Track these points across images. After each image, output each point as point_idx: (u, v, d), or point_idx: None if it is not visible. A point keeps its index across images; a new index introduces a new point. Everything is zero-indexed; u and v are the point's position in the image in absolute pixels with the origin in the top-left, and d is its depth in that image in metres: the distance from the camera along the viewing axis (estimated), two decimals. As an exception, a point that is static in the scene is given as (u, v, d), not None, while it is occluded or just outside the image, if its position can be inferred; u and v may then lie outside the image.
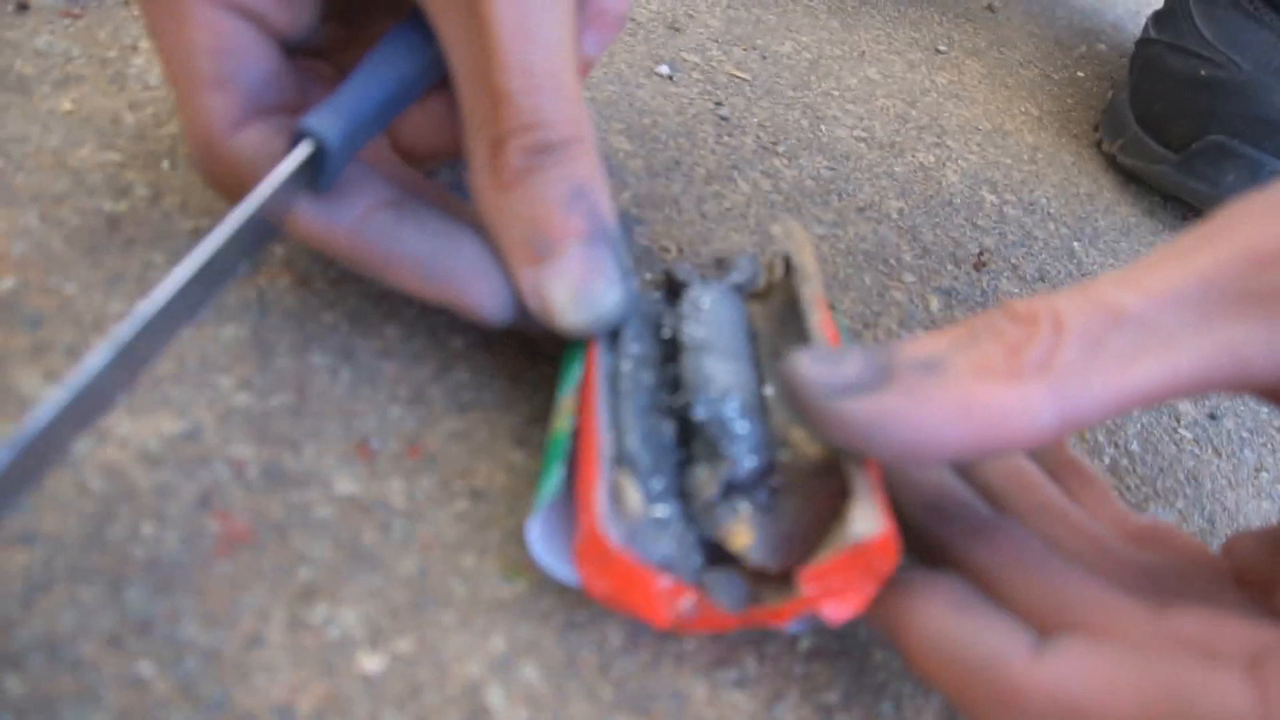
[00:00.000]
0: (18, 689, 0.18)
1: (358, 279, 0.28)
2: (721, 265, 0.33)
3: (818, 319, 0.25)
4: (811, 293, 0.26)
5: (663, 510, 0.21)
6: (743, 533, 0.20)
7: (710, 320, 0.25)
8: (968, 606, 0.20)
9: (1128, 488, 0.32)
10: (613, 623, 0.22)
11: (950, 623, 0.20)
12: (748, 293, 0.30)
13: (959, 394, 0.19)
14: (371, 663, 0.20)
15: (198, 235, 0.27)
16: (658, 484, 0.21)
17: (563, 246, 0.23)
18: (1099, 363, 0.19)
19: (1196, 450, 0.36)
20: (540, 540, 0.21)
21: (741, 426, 0.22)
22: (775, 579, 0.21)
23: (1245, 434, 0.37)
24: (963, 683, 0.19)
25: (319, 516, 0.22)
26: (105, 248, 0.26)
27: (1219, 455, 0.36)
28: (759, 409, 0.23)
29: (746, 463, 0.21)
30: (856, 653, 0.24)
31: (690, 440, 0.23)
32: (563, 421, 0.22)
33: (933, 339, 0.20)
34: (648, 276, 0.33)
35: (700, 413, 0.22)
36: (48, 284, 0.25)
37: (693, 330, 0.24)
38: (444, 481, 0.24)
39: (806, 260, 0.27)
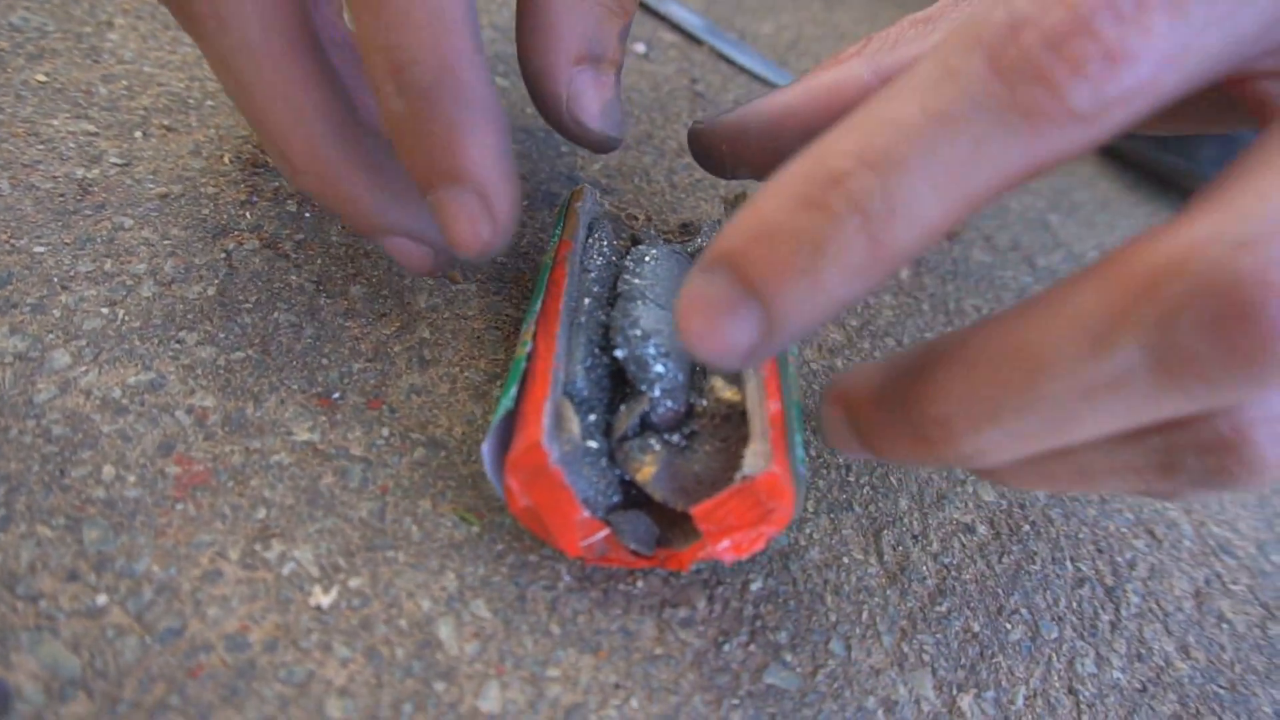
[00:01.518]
0: (-24, 616, 0.18)
1: (325, 243, 0.29)
2: (687, 230, 0.33)
3: None
4: None
5: (594, 443, 0.22)
6: (648, 464, 0.21)
7: (650, 273, 0.26)
8: None
9: (1091, 446, 0.33)
10: (564, 564, 0.23)
11: None
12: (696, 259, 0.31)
13: (800, 85, 0.25)
14: (325, 597, 0.21)
15: (166, 200, 0.28)
16: (592, 419, 0.22)
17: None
18: (901, 44, 0.24)
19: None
20: (490, 457, 0.21)
21: (660, 367, 0.22)
22: (687, 528, 0.21)
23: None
24: None
25: (278, 462, 0.23)
26: (76, 211, 0.27)
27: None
28: (683, 359, 0.23)
29: (664, 403, 0.22)
30: (807, 596, 0.24)
31: (622, 384, 0.23)
32: (523, 347, 0.23)
33: None
34: (616, 242, 0.33)
35: (620, 352, 0.22)
36: (17, 244, 0.25)
37: (630, 278, 0.25)
38: (403, 432, 0.24)
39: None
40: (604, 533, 0.21)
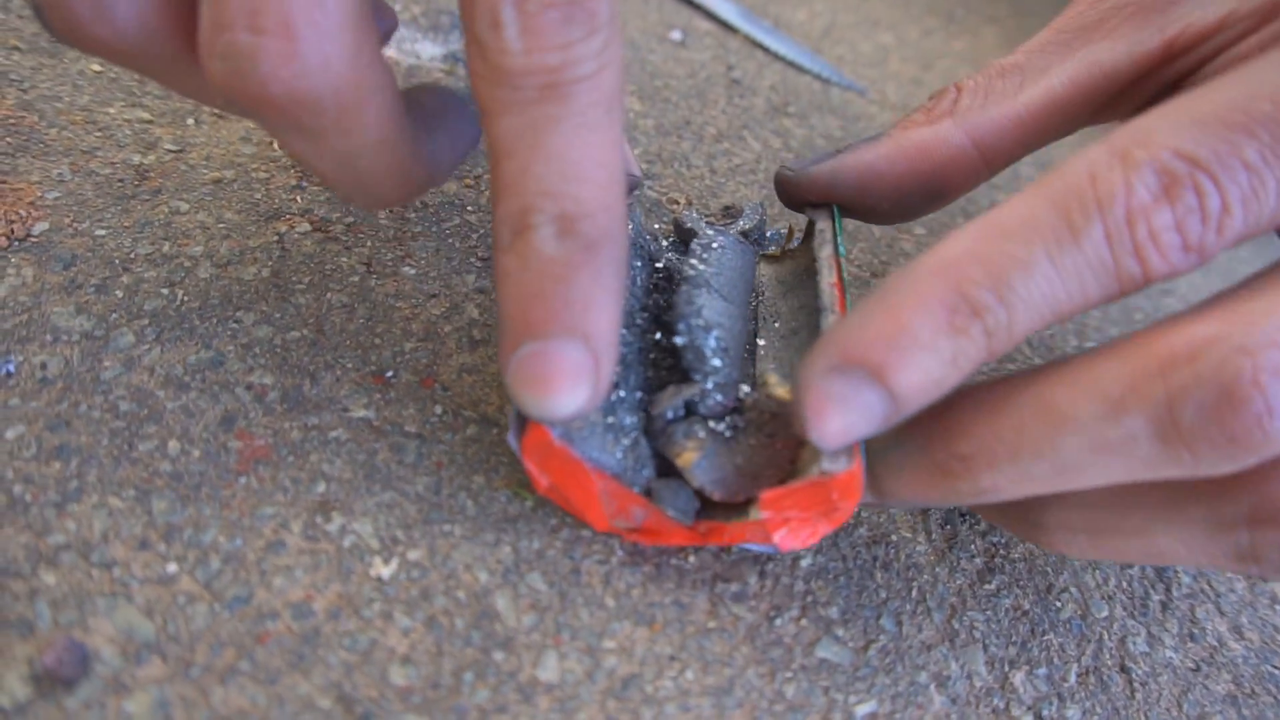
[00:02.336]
0: (53, 583, 0.19)
1: (374, 226, 0.29)
2: (730, 213, 0.33)
3: (830, 280, 0.25)
4: (828, 255, 0.26)
5: (619, 419, 0.22)
6: (691, 449, 0.21)
7: (715, 261, 0.26)
8: None
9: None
10: (618, 538, 0.23)
11: None
12: (760, 255, 0.31)
13: (891, 141, 0.26)
14: (385, 569, 0.21)
15: (219, 185, 0.29)
16: (621, 394, 0.22)
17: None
18: (992, 99, 0.26)
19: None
20: (515, 445, 0.21)
21: (718, 360, 0.22)
22: (722, 511, 0.22)
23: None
24: None
25: (335, 438, 0.23)
26: (134, 196, 0.27)
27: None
28: (739, 356, 0.23)
29: (714, 396, 0.22)
30: (858, 572, 0.24)
31: (660, 364, 0.23)
32: None
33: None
34: (656, 226, 0.33)
35: (681, 339, 0.22)
36: (79, 228, 0.26)
37: (696, 264, 0.25)
38: (455, 409, 0.25)
39: (828, 226, 0.28)
40: (641, 506, 0.21)
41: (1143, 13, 0.26)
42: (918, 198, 0.27)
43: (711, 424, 0.22)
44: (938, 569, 0.25)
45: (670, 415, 0.22)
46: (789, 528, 0.21)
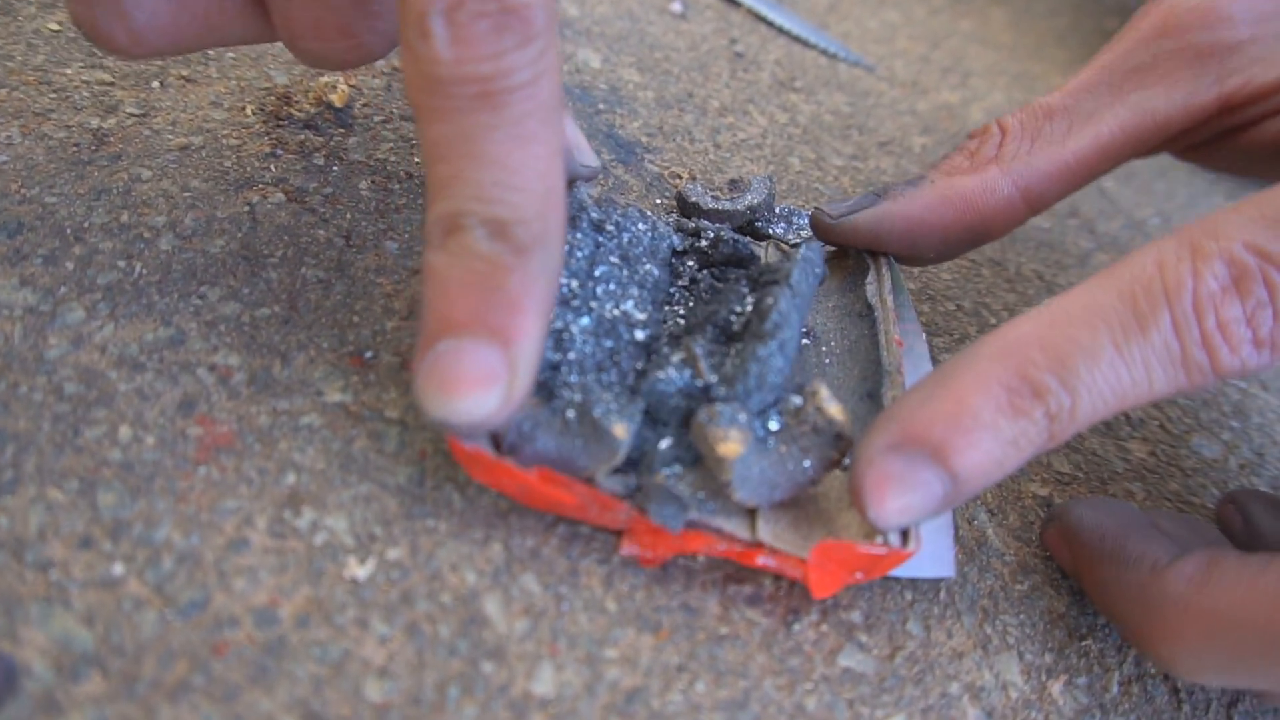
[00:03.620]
0: (-19, 586, 0.17)
1: (355, 197, 0.27)
2: (736, 187, 0.31)
3: (893, 336, 0.24)
4: (888, 305, 0.25)
5: (568, 394, 0.20)
6: (735, 440, 0.19)
7: (803, 275, 0.24)
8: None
9: (1169, 419, 0.30)
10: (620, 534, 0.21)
11: None
12: (778, 245, 0.29)
13: (937, 191, 0.25)
14: (360, 569, 0.19)
15: (186, 152, 0.26)
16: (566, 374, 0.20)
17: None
18: (1039, 145, 0.25)
19: (1241, 384, 0.34)
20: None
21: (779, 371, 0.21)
22: (722, 514, 0.20)
23: (1293, 369, 0.35)
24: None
25: (308, 424, 0.21)
26: (90, 162, 0.25)
27: (1266, 389, 0.34)
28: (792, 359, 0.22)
29: (770, 387, 0.20)
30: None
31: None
32: None
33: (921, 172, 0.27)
34: (659, 201, 0.31)
35: (766, 349, 0.20)
36: (28, 194, 0.24)
37: (797, 279, 0.23)
38: (441, 394, 0.22)
39: (886, 273, 0.27)
40: (622, 508, 0.19)
41: (1200, 59, 0.25)
42: (962, 244, 0.26)
43: (747, 417, 0.20)
44: (967, 569, 0.23)
45: (720, 392, 0.20)
46: (826, 576, 0.19)
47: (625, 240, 0.24)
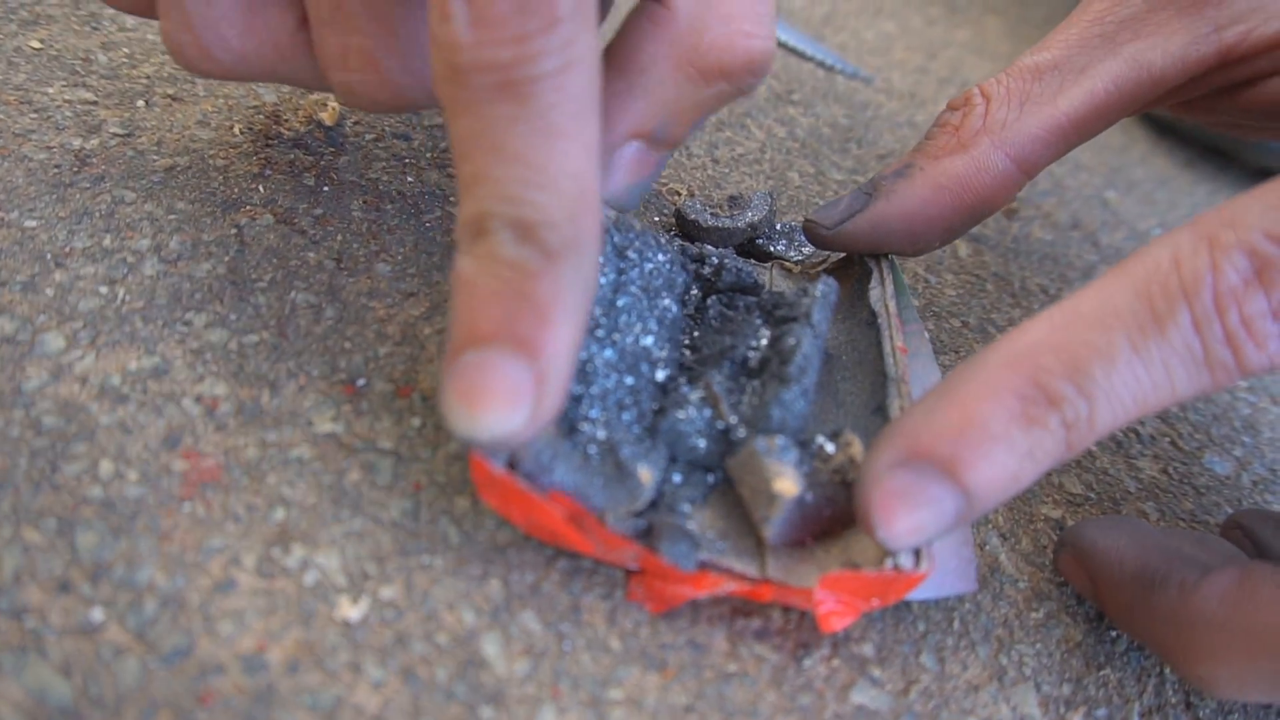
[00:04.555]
0: (-48, 636, 0.16)
1: (346, 218, 0.26)
2: (735, 204, 0.31)
3: (896, 343, 0.23)
4: (890, 311, 0.24)
5: (590, 429, 0.19)
6: (790, 479, 0.18)
7: (823, 312, 0.23)
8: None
9: (1180, 435, 0.30)
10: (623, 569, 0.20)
11: None
12: (774, 263, 0.28)
13: (927, 179, 0.24)
14: (353, 610, 0.18)
15: (171, 173, 0.26)
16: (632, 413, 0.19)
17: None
18: (1029, 107, 0.23)
19: (1252, 398, 0.33)
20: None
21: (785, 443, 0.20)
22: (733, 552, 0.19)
23: (1303, 382, 0.35)
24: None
25: (298, 456, 0.20)
26: (72, 184, 0.24)
27: (1276, 403, 0.33)
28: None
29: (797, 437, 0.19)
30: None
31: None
32: None
33: (903, 156, 0.25)
34: (657, 219, 0.31)
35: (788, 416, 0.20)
36: (6, 218, 0.23)
37: (818, 318, 0.22)
38: (436, 422, 0.22)
39: (887, 276, 0.26)
40: (630, 548, 0.18)
41: (1195, 7, 0.24)
42: (964, 227, 0.25)
43: (799, 456, 0.19)
44: (980, 596, 0.22)
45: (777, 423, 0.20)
46: (837, 608, 0.19)
47: (647, 270, 0.23)
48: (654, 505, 0.19)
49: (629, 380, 0.20)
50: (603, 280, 0.21)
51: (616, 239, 0.23)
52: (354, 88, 0.21)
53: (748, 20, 0.22)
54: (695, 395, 0.20)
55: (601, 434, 0.18)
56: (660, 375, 0.21)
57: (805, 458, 0.19)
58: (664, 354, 0.21)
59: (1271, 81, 0.24)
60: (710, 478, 0.20)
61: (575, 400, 0.19)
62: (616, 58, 0.22)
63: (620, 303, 0.21)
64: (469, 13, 0.16)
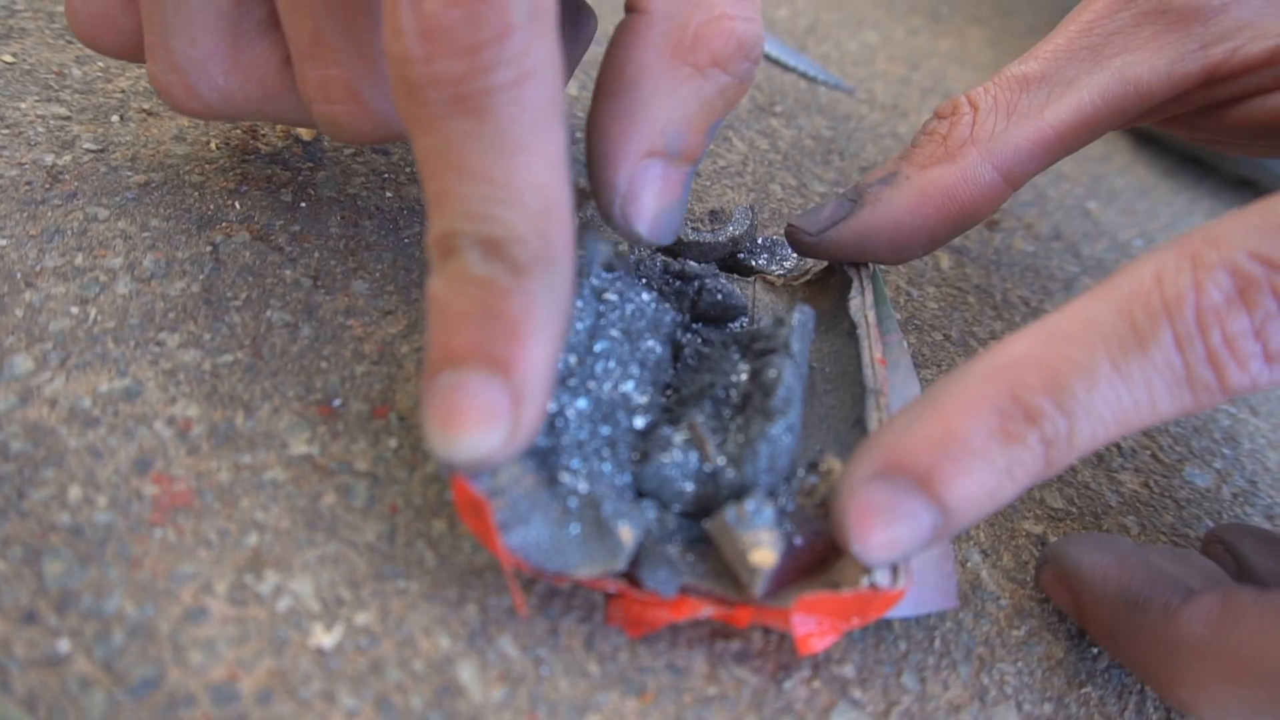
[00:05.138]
0: (-86, 669, 0.16)
1: (323, 234, 0.26)
2: (717, 218, 0.30)
3: (875, 354, 0.23)
4: (869, 321, 0.24)
5: (572, 480, 0.19)
6: (768, 546, 0.18)
7: (802, 340, 0.23)
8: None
9: (1160, 448, 0.30)
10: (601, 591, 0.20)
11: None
12: (757, 277, 0.28)
13: (915, 188, 0.23)
14: (327, 637, 0.18)
15: (145, 189, 0.25)
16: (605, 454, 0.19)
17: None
18: (1016, 119, 0.23)
19: (1232, 409, 0.33)
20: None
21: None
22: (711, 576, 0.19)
23: (1282, 393, 0.35)
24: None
25: (271, 479, 0.20)
26: (43, 201, 0.24)
27: (1256, 415, 0.33)
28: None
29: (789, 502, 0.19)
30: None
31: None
32: None
33: (884, 164, 0.25)
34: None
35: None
36: (-24, 237, 0.23)
37: (798, 347, 0.22)
38: (414, 443, 0.21)
39: (867, 286, 0.26)
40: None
41: (1182, 23, 0.24)
42: (948, 237, 0.25)
43: (774, 512, 0.19)
44: (961, 615, 0.22)
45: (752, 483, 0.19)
46: (815, 631, 0.18)
47: (629, 312, 0.22)
48: (650, 538, 0.19)
49: (604, 430, 0.20)
50: (579, 325, 0.21)
51: (594, 282, 0.22)
52: (337, 119, 0.21)
53: (729, 4, 0.21)
54: (679, 437, 0.19)
55: (584, 487, 0.18)
56: (640, 423, 0.20)
57: (788, 496, 0.19)
58: (645, 399, 0.21)
59: (1255, 101, 0.24)
60: (698, 529, 0.20)
61: (549, 452, 0.19)
62: (608, 79, 0.22)
63: (598, 348, 0.21)
64: (418, 25, 0.16)
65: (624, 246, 0.25)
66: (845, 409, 0.23)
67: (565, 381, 0.20)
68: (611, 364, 0.21)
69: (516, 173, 0.16)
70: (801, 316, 0.22)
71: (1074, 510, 0.26)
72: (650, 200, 0.22)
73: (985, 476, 0.16)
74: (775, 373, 0.20)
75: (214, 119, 0.23)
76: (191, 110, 0.22)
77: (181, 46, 0.21)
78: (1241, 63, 0.23)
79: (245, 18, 0.21)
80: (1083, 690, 0.22)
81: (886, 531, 0.17)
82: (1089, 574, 0.21)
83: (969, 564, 0.24)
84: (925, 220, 0.24)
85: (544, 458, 0.19)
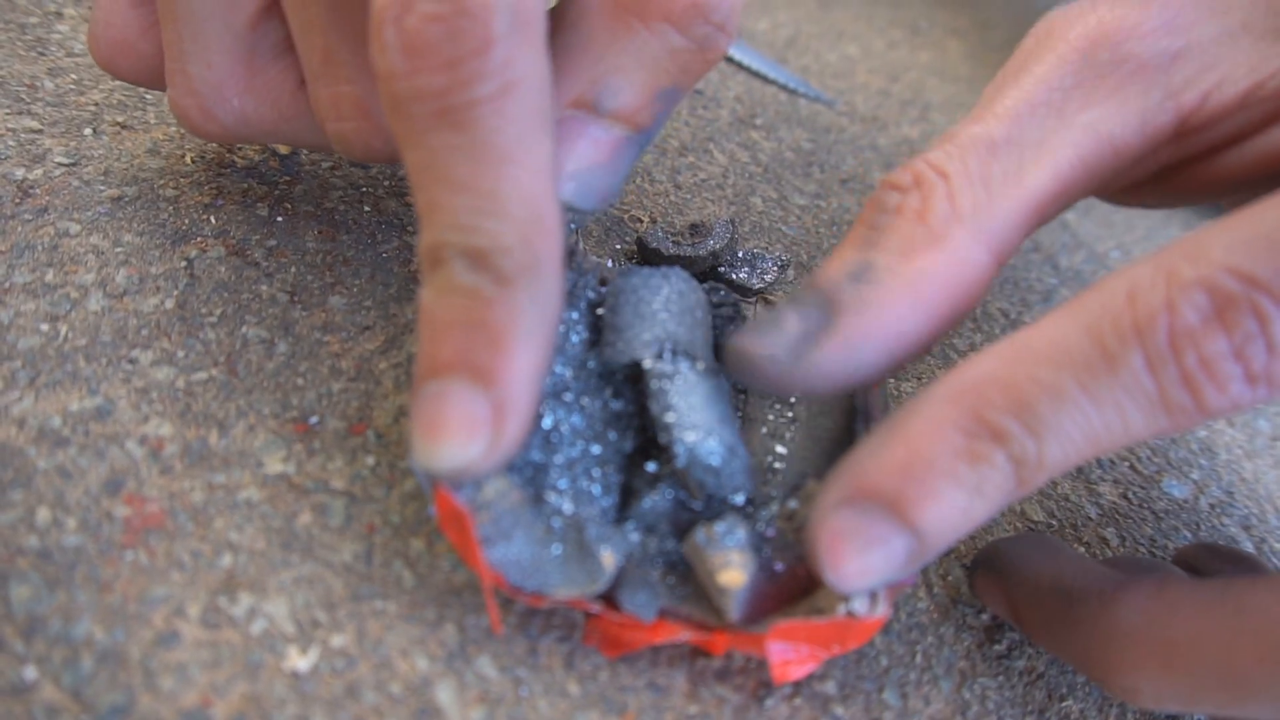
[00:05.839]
0: (-126, 700, 0.15)
1: (300, 249, 0.25)
2: (697, 231, 0.30)
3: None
4: None
5: (557, 500, 0.18)
6: (738, 568, 0.17)
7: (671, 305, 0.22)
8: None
9: (1139, 459, 0.30)
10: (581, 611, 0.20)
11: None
12: (758, 297, 0.28)
13: (902, 285, 0.19)
14: (302, 660, 0.17)
15: (119, 204, 0.25)
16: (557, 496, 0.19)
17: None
18: (996, 190, 0.20)
19: (1208, 421, 0.33)
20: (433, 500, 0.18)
21: (737, 472, 0.19)
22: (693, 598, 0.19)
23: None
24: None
25: (246, 499, 0.20)
26: (13, 216, 0.24)
27: (1232, 425, 0.34)
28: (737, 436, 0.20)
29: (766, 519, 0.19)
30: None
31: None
32: None
33: (839, 253, 0.20)
34: (618, 246, 0.30)
35: (680, 461, 0.19)
36: (-56, 253, 0.22)
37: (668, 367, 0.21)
38: (391, 461, 0.21)
39: None
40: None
41: (1143, 71, 0.21)
42: (937, 341, 0.21)
43: (748, 533, 0.19)
44: (942, 629, 0.22)
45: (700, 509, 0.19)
46: (794, 658, 0.18)
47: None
48: (632, 560, 0.19)
49: (595, 449, 0.20)
50: (575, 339, 0.21)
51: (591, 296, 0.22)
52: (349, 136, 0.21)
53: None
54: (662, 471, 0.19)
55: (568, 507, 0.18)
56: (629, 446, 0.20)
57: (768, 521, 0.19)
58: (638, 421, 0.21)
59: (1233, 152, 0.22)
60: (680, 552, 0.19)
61: (541, 468, 0.19)
62: (555, 25, 0.20)
63: (592, 364, 0.21)
64: (401, 41, 0.16)
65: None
66: (838, 431, 0.23)
67: (560, 396, 0.20)
68: (606, 379, 0.21)
69: (502, 183, 0.16)
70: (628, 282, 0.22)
71: (1054, 523, 0.26)
72: (569, 156, 0.20)
73: (955, 497, 0.16)
74: (656, 408, 0.19)
75: (231, 142, 0.23)
76: (208, 133, 0.22)
77: (198, 70, 0.21)
78: (1215, 110, 0.21)
79: (261, 41, 0.21)
80: (1064, 704, 0.22)
81: (859, 559, 0.17)
82: (1022, 571, 0.21)
83: (950, 577, 0.24)
84: (924, 323, 0.19)
85: (533, 474, 0.19)
